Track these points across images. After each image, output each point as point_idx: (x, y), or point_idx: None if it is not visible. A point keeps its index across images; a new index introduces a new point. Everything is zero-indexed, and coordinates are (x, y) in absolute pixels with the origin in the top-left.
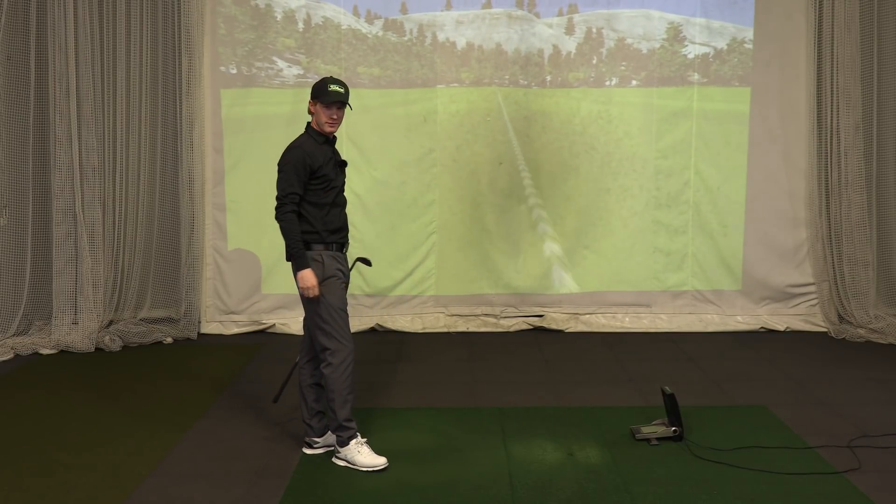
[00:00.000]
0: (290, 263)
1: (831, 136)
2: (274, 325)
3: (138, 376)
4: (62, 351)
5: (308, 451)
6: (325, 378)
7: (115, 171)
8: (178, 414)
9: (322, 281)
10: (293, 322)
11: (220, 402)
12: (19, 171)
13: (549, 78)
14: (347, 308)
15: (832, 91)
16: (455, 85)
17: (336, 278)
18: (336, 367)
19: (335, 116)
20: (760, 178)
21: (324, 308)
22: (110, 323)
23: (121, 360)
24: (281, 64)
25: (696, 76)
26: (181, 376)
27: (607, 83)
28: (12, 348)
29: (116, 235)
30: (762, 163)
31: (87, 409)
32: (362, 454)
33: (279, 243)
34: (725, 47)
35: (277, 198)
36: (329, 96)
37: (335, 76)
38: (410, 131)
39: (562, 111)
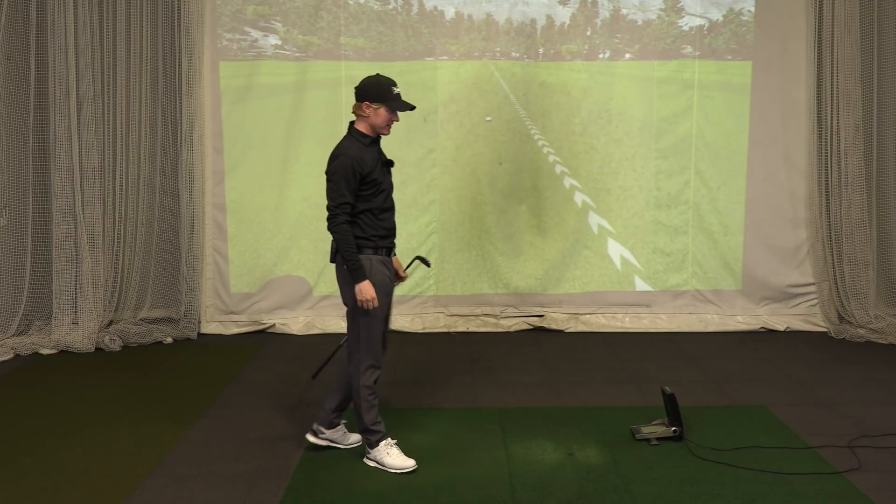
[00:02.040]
0: (293, 263)
1: (831, 136)
2: (274, 325)
3: (138, 376)
4: (62, 351)
5: (311, 439)
6: (351, 380)
7: (115, 171)
8: (178, 414)
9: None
10: (293, 322)
11: (219, 403)
12: (19, 171)
13: (541, 50)
14: (388, 314)
15: (832, 91)
16: (444, 58)
17: (376, 286)
18: (363, 373)
19: (396, 121)
20: (760, 178)
21: (362, 314)
22: (110, 323)
23: (121, 360)
24: (255, 34)
25: (689, 49)
26: (181, 376)
27: (600, 56)
28: (12, 348)
29: (116, 235)
30: (762, 163)
31: (87, 409)
32: (391, 455)
33: (279, 242)
34: (721, 18)
35: (329, 208)
36: (400, 105)
37: (318, 48)
38: (410, 131)
39: (561, 110)
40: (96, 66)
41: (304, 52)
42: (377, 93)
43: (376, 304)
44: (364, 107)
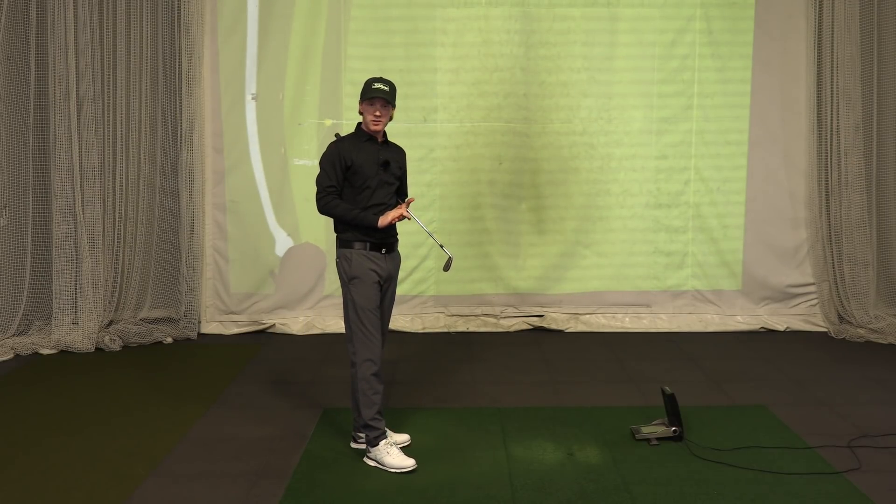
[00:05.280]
0: (295, 263)
1: (831, 136)
2: (274, 325)
3: (138, 376)
4: (62, 351)
5: (354, 446)
6: (351, 377)
7: (115, 171)
8: (178, 414)
9: (349, 280)
10: (293, 322)
11: (220, 402)
12: (19, 171)
13: None
14: (377, 309)
15: (832, 91)
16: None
17: (361, 279)
18: (360, 367)
19: (378, 114)
20: (760, 178)
21: (352, 307)
22: (110, 323)
23: (121, 360)
24: None
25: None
26: (181, 376)
27: None
28: (12, 348)
29: (116, 235)
30: (762, 163)
31: (87, 409)
32: (391, 455)
33: (279, 242)
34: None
35: (316, 194)
36: (370, 93)
37: None
38: (410, 131)
39: (561, 110)
40: (96, 66)
41: None
42: (362, 91)
43: (399, 213)
44: (359, 107)
